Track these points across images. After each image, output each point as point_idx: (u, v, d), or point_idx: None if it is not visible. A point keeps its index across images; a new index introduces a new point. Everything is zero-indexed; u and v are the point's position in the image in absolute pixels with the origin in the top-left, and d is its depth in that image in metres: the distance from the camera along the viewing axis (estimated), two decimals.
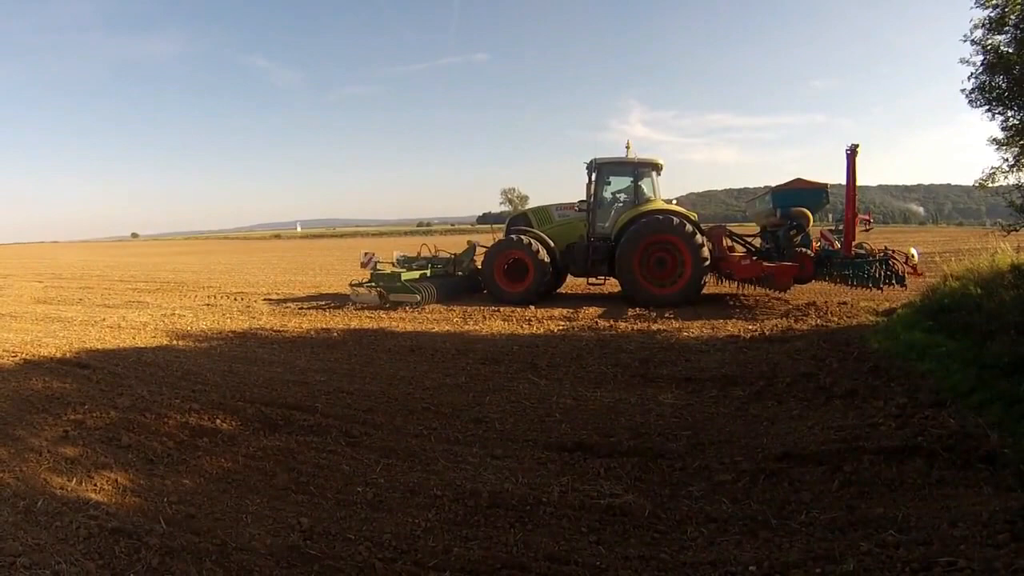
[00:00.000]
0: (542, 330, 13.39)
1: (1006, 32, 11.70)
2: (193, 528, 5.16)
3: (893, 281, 14.87)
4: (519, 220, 20.36)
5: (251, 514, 5.43)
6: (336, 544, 4.84)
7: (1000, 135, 12.59)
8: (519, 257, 18.57)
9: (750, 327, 12.19)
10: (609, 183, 19.33)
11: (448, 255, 21.37)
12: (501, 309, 16.40)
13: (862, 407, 7.11)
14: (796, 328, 11.80)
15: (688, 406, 7.77)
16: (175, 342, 13.28)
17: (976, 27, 12.07)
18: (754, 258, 17.79)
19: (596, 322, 13.63)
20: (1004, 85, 11.96)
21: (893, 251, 16.04)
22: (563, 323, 13.98)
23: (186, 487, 6.05)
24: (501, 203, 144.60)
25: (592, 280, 19.71)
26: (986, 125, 13.80)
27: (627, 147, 19.18)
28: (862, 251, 16.35)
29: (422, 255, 21.49)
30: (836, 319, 12.24)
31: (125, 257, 60.52)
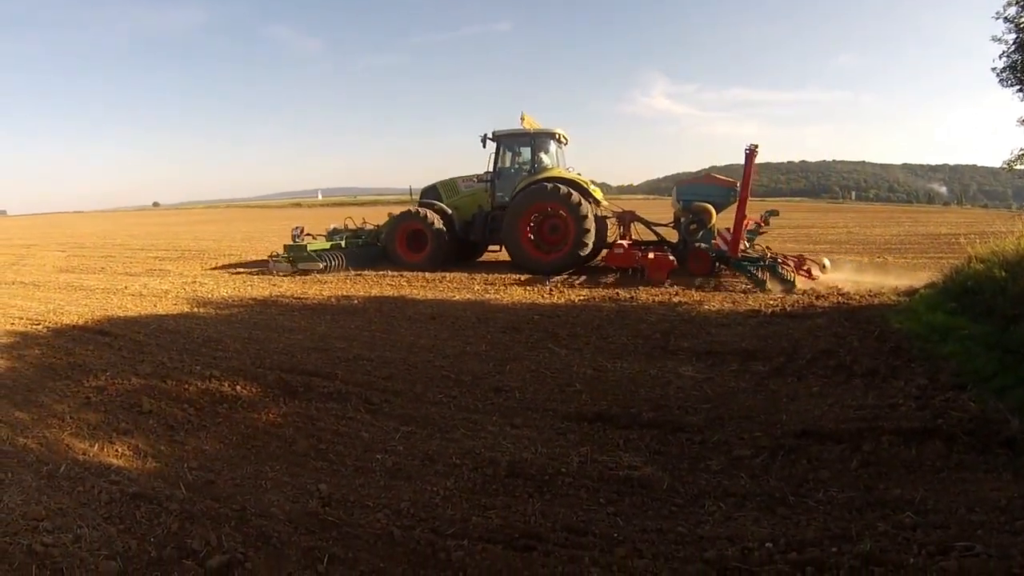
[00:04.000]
0: (563, 300, 13.39)
1: None
2: (213, 494, 5.25)
3: (781, 285, 14.54)
4: (430, 192, 21.14)
5: (270, 480, 5.52)
6: (355, 511, 4.90)
7: None
8: (418, 228, 19.49)
9: (771, 302, 12.13)
10: (514, 154, 20.03)
11: (372, 227, 22.19)
12: (522, 278, 16.41)
13: (882, 387, 7.07)
14: (817, 305, 11.72)
15: (708, 380, 7.77)
16: (196, 309, 13.43)
17: (1009, 4, 11.86)
18: (643, 249, 17.67)
19: (617, 293, 13.59)
20: None
21: (784, 257, 16.10)
22: (584, 293, 13.97)
23: (206, 453, 6.16)
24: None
25: (492, 247, 20.92)
26: (1017, 105, 13.51)
27: (522, 118, 19.59)
28: (750, 253, 16.43)
29: (349, 227, 22.43)
30: (858, 297, 12.15)
31: (146, 226, 60.65)
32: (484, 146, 19.47)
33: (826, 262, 15.51)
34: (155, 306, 14.04)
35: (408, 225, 19.71)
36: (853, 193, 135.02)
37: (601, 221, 18.88)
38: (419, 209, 19.68)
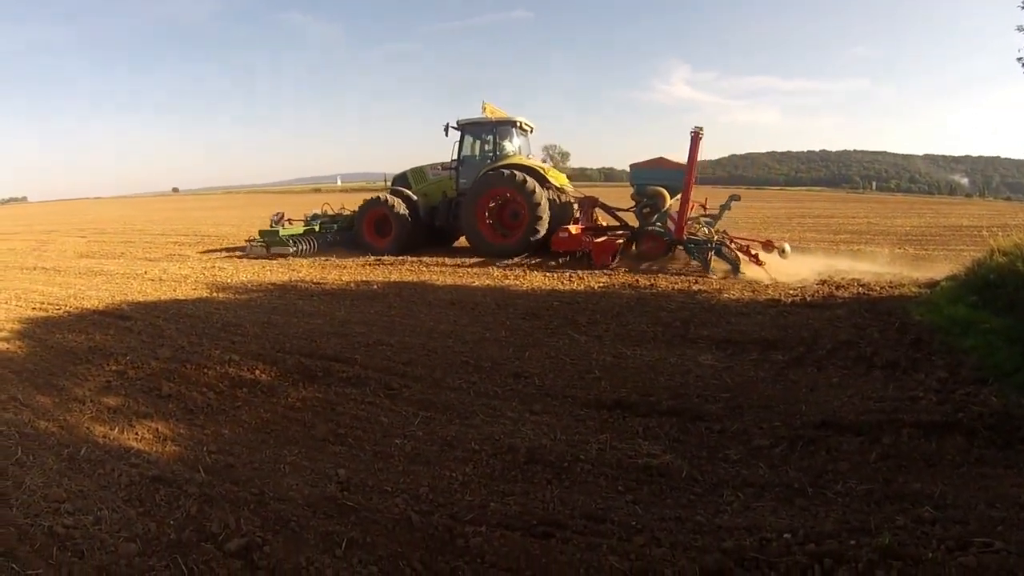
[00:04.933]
0: (582, 286, 13.37)
1: None
2: (232, 477, 5.29)
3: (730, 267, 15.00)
4: (401, 179, 22.07)
5: (289, 464, 5.56)
6: (373, 496, 4.93)
7: None
8: (383, 214, 20.30)
9: (791, 291, 12.07)
10: (477, 142, 20.54)
11: (349, 212, 22.85)
12: (542, 264, 16.37)
13: (902, 379, 7.01)
14: (838, 295, 11.63)
15: (728, 368, 7.73)
16: (215, 294, 13.54)
17: None
18: (593, 233, 18.03)
19: (637, 280, 13.56)
20: None
21: (731, 239, 16.40)
22: (603, 280, 13.93)
23: (225, 437, 6.21)
24: (544, 159, 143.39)
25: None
26: None
27: (483, 108, 20.24)
28: (696, 236, 16.54)
29: (328, 213, 23.15)
30: (878, 289, 12.06)
31: (166, 212, 60.95)
32: (447, 134, 20.00)
33: (786, 247, 15.37)
34: (174, 291, 14.16)
35: (375, 212, 20.51)
36: (874, 183, 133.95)
37: (561, 207, 19.25)
38: (385, 196, 20.48)
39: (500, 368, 7.92)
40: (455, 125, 20.07)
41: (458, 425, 6.26)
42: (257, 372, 7.94)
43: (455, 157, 20.34)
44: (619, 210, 19.13)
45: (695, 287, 12.80)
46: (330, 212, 23.15)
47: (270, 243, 20.37)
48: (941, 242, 22.02)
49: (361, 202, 21.54)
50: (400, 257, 18.72)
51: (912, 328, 8.85)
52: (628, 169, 18.95)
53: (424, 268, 16.65)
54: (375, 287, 13.86)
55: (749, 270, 14.63)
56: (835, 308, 10.52)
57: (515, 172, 18.52)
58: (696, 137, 16.13)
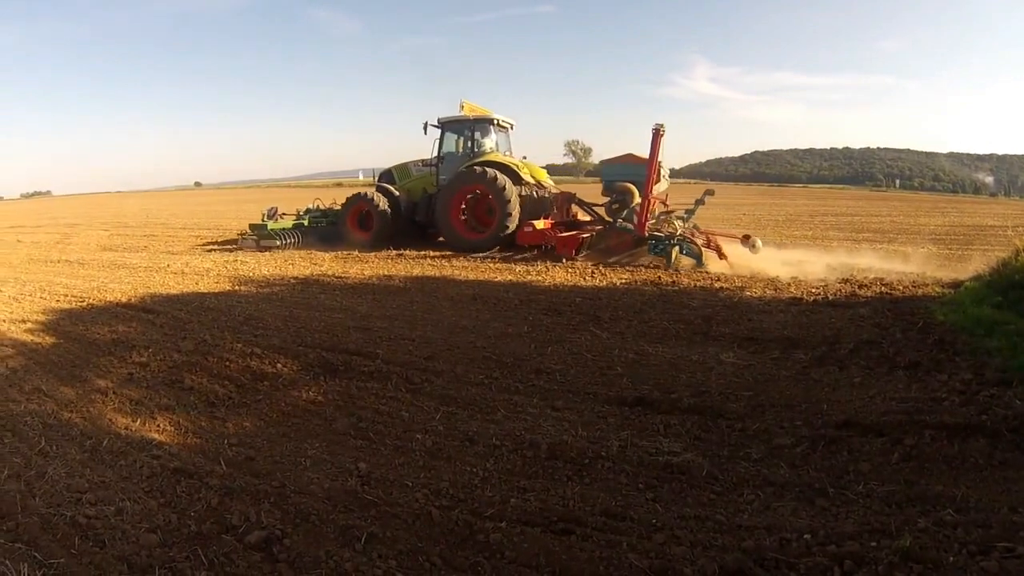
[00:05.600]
0: (604, 283, 13.35)
1: None
2: (253, 470, 5.33)
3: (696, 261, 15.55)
4: (386, 175, 22.75)
5: (310, 458, 5.58)
6: (394, 490, 4.95)
7: None
8: (366, 209, 21.01)
9: (813, 290, 12.01)
10: (457, 139, 21.04)
11: (339, 207, 23.16)
12: (564, 260, 16.36)
13: (925, 380, 6.94)
14: (860, 294, 11.56)
15: (749, 366, 7.72)
16: (237, 288, 13.60)
17: None
18: (561, 228, 18.62)
19: (659, 277, 13.52)
20: None
21: (704, 234, 16.89)
22: (626, 276, 13.90)
23: (246, 430, 6.25)
24: (564, 155, 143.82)
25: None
26: None
27: (461, 106, 20.58)
28: (659, 232, 16.83)
29: (319, 208, 23.70)
30: (901, 288, 11.99)
31: (188, 205, 61.40)
32: (425, 132, 20.51)
33: (758, 242, 15.85)
34: (197, 284, 14.24)
35: (358, 206, 21.22)
36: (897, 181, 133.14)
37: (538, 202, 19.51)
38: (367, 192, 21.38)
39: (522, 364, 7.92)
40: (435, 123, 20.65)
41: (479, 420, 6.27)
42: (279, 366, 7.98)
43: (435, 154, 20.93)
44: (596, 205, 19.54)
45: (717, 284, 12.75)
46: (322, 207, 23.75)
47: (259, 236, 21.09)
48: (965, 241, 21.86)
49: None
50: (406, 252, 18.95)
51: (935, 328, 8.77)
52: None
53: (446, 263, 16.70)
54: (397, 282, 13.89)
55: (713, 263, 15.28)
56: (858, 307, 10.45)
57: (486, 169, 19.02)
58: (657, 134, 16.45)
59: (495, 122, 21.04)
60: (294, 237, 21.25)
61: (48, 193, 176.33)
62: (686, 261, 15.61)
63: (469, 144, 20.66)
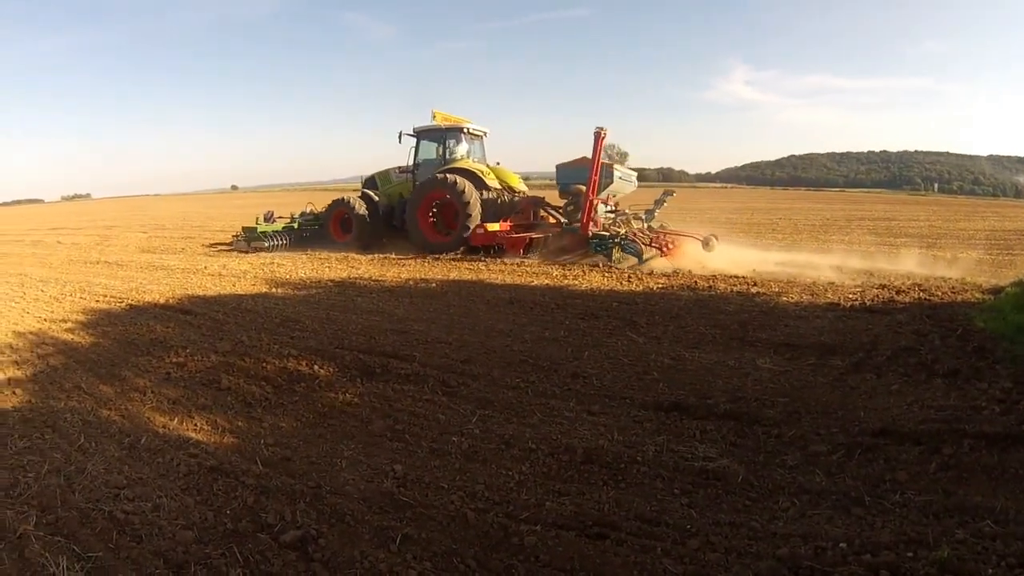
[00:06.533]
0: (641, 287, 13.29)
1: None
2: (289, 470, 5.40)
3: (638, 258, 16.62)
4: (370, 181, 24.29)
5: (346, 459, 5.64)
6: (429, 492, 4.98)
7: None
8: (346, 214, 22.54)
9: (851, 295, 11.90)
10: (432, 146, 22.16)
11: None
12: (600, 264, 16.38)
13: (964, 388, 6.82)
14: (898, 300, 11.42)
15: (785, 372, 7.65)
16: (274, 290, 13.78)
17: None
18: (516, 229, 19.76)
19: (695, 282, 13.47)
20: None
21: (635, 232, 18.21)
22: (662, 281, 13.84)
23: (283, 430, 6.33)
24: (612, 156, 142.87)
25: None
26: None
27: (433, 115, 21.98)
28: (603, 232, 17.91)
29: (313, 212, 25.11)
30: (940, 294, 11.85)
31: (225, 208, 62.09)
32: (400, 141, 21.87)
33: (712, 241, 16.72)
34: (234, 286, 14.47)
35: (339, 211, 22.83)
36: (935, 185, 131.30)
37: (507, 205, 20.53)
38: (347, 197, 22.82)
39: (558, 368, 7.92)
40: (410, 133, 21.83)
41: (516, 424, 6.29)
42: (315, 367, 8.05)
43: (411, 162, 22.18)
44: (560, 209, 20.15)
45: (753, 289, 12.66)
46: (315, 211, 24.86)
47: (249, 238, 22.75)
48: (1005, 246, 21.60)
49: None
50: (413, 254, 19.38)
51: (975, 335, 8.62)
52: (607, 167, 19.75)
53: (483, 267, 16.80)
54: (434, 285, 13.98)
55: (658, 261, 16.60)
56: (895, 313, 10.33)
57: (447, 176, 20.11)
58: (598, 137, 17.29)
59: (465, 130, 22.09)
60: (282, 239, 23.00)
61: (87, 196, 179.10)
62: (629, 261, 16.57)
63: (442, 151, 21.83)
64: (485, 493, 4.94)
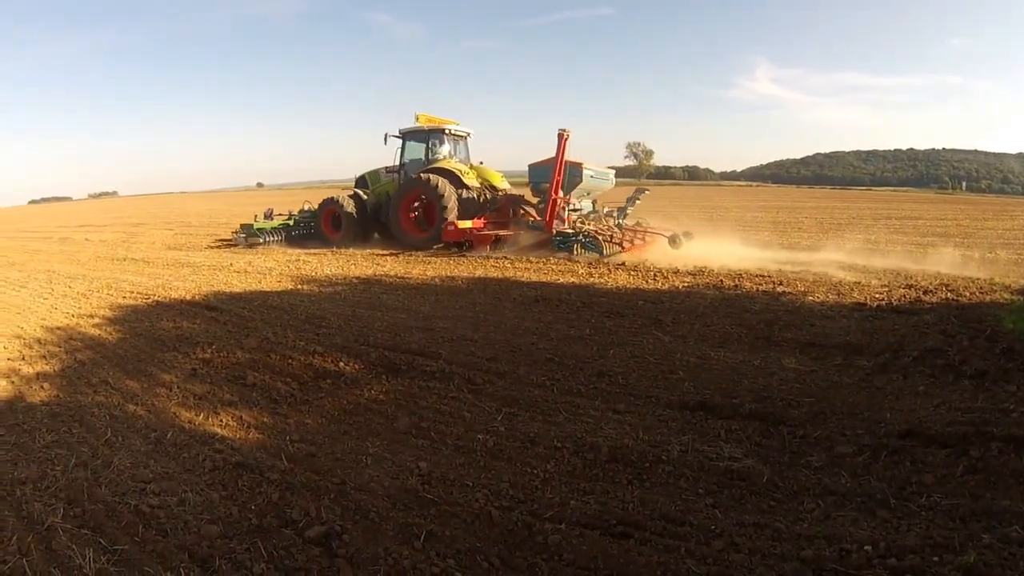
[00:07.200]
0: (667, 286, 13.23)
1: None
2: (314, 466, 5.43)
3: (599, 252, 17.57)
4: (361, 180, 25.26)
5: (371, 456, 5.66)
6: (454, 490, 5.00)
7: None
8: (335, 211, 23.65)
9: (877, 295, 11.82)
10: (417, 147, 23.21)
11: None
12: (626, 263, 16.33)
13: (992, 390, 6.75)
14: (925, 300, 11.32)
15: (811, 372, 7.60)
16: (300, 287, 13.87)
17: None
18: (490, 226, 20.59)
19: (721, 280, 13.41)
20: None
21: (601, 230, 19.26)
22: (688, 279, 13.79)
23: (308, 427, 6.36)
24: (626, 156, 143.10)
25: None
26: None
27: (416, 118, 23.05)
28: (568, 230, 18.97)
29: (310, 210, 25.82)
30: (968, 294, 11.75)
31: (251, 206, 62.27)
32: (385, 143, 23.09)
33: (679, 238, 17.47)
34: (259, 283, 14.56)
35: (329, 209, 23.92)
36: (963, 183, 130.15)
37: (482, 203, 21.62)
38: (337, 196, 23.90)
39: (584, 366, 7.91)
40: (395, 134, 23.04)
41: (541, 422, 6.29)
42: (341, 364, 8.10)
43: (397, 162, 23.29)
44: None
45: (779, 289, 12.59)
46: (312, 209, 25.53)
47: (247, 235, 23.83)
48: None
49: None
50: (390, 249, 19.34)
51: (1004, 337, 8.52)
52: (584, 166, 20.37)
53: (509, 264, 16.83)
54: (459, 282, 14.01)
55: (618, 256, 17.34)
56: (922, 314, 10.24)
57: (423, 175, 21.27)
58: (561, 137, 18.22)
59: (448, 132, 23.15)
60: (276, 236, 24.18)
61: (115, 193, 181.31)
62: (590, 256, 17.38)
63: (426, 152, 22.83)
64: (510, 491, 4.95)
